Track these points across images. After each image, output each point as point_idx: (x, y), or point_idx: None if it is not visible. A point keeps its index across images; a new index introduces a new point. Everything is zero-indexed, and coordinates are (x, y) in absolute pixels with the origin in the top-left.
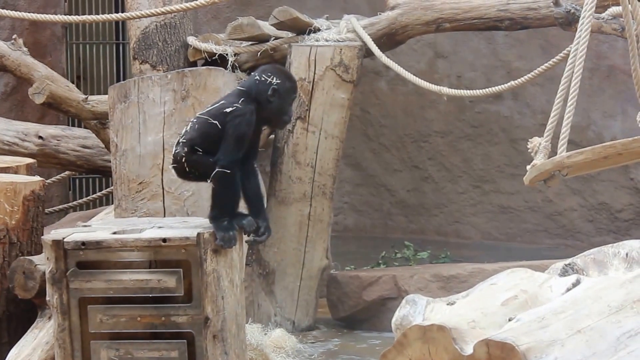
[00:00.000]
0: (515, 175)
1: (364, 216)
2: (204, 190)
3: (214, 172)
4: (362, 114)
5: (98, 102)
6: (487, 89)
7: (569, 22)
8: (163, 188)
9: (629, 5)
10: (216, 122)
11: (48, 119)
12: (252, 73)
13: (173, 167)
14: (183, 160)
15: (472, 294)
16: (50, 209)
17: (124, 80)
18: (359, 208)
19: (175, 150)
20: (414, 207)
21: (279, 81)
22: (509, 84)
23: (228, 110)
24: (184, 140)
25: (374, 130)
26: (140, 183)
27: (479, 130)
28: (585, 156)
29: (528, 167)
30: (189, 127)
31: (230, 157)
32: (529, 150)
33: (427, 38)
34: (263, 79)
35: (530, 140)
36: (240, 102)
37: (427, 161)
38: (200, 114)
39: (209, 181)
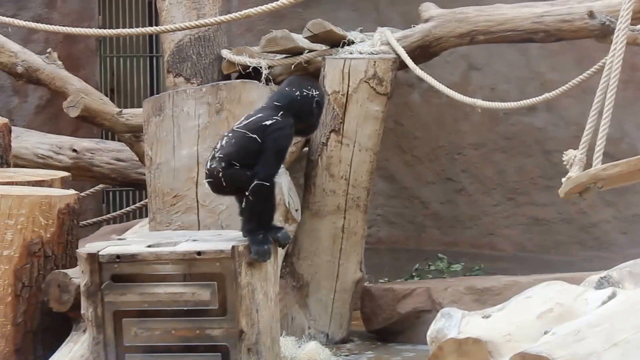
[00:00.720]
0: (549, 187)
1: (398, 228)
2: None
3: (253, 185)
4: (395, 126)
5: (132, 115)
6: (521, 102)
7: (604, 34)
8: (197, 201)
9: None
10: (255, 135)
11: (82, 132)
12: (285, 87)
13: (208, 182)
14: (220, 174)
15: (508, 307)
16: (84, 222)
17: (157, 93)
18: (393, 220)
19: (211, 165)
20: (448, 220)
21: (319, 93)
22: (543, 96)
23: (268, 123)
24: (221, 155)
25: (408, 142)
26: (174, 196)
27: (512, 142)
28: (620, 169)
29: (563, 179)
30: (224, 142)
31: (270, 171)
32: (564, 163)
33: (461, 50)
34: (305, 93)
35: (565, 152)
36: (279, 115)
37: (460, 173)
38: (236, 128)
39: (246, 194)
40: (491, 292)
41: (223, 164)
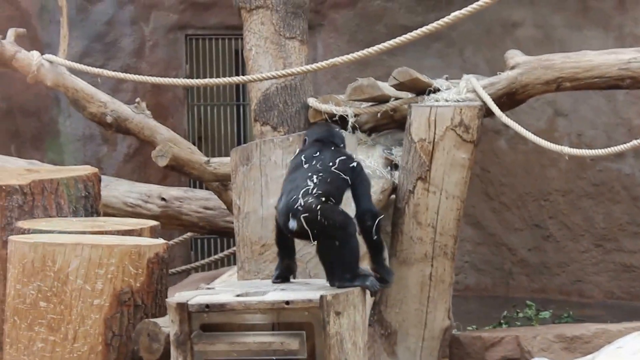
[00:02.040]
0: (638, 234)
1: (485, 275)
2: None
3: (377, 221)
4: (482, 173)
5: (220, 164)
6: (608, 149)
7: None
8: None
9: None
10: (347, 177)
11: (170, 180)
12: (336, 132)
13: (304, 216)
14: (317, 208)
15: (599, 357)
16: (172, 270)
17: (244, 141)
18: (480, 267)
19: (306, 200)
20: (535, 266)
21: None
22: (631, 143)
23: (354, 165)
24: (320, 192)
25: (495, 189)
26: (262, 245)
27: (600, 189)
28: None
29: None
30: (316, 180)
31: (373, 206)
32: None
33: (546, 96)
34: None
35: None
36: (353, 156)
37: (548, 220)
38: (331, 169)
39: (373, 230)
40: (581, 340)
41: (323, 199)
